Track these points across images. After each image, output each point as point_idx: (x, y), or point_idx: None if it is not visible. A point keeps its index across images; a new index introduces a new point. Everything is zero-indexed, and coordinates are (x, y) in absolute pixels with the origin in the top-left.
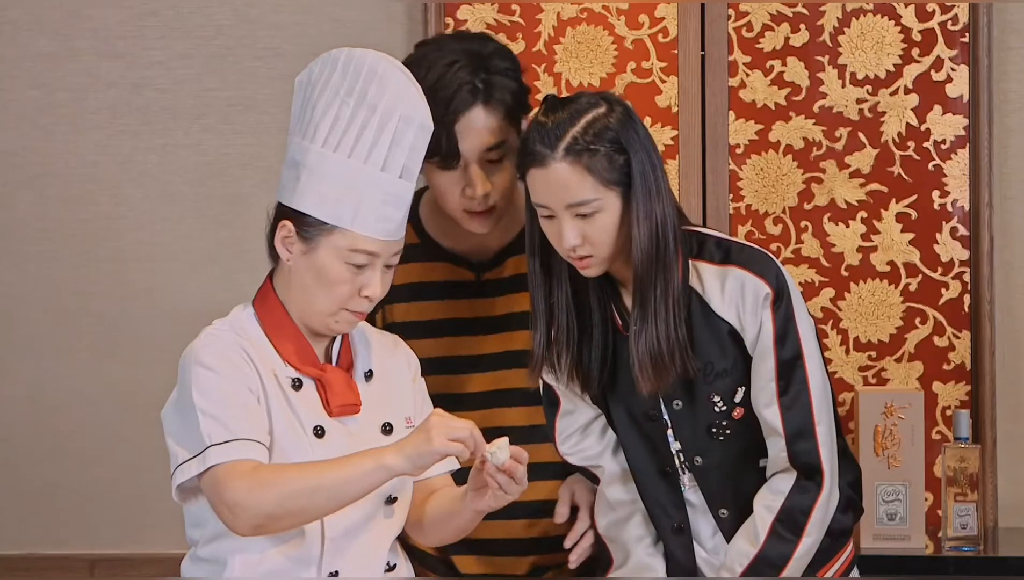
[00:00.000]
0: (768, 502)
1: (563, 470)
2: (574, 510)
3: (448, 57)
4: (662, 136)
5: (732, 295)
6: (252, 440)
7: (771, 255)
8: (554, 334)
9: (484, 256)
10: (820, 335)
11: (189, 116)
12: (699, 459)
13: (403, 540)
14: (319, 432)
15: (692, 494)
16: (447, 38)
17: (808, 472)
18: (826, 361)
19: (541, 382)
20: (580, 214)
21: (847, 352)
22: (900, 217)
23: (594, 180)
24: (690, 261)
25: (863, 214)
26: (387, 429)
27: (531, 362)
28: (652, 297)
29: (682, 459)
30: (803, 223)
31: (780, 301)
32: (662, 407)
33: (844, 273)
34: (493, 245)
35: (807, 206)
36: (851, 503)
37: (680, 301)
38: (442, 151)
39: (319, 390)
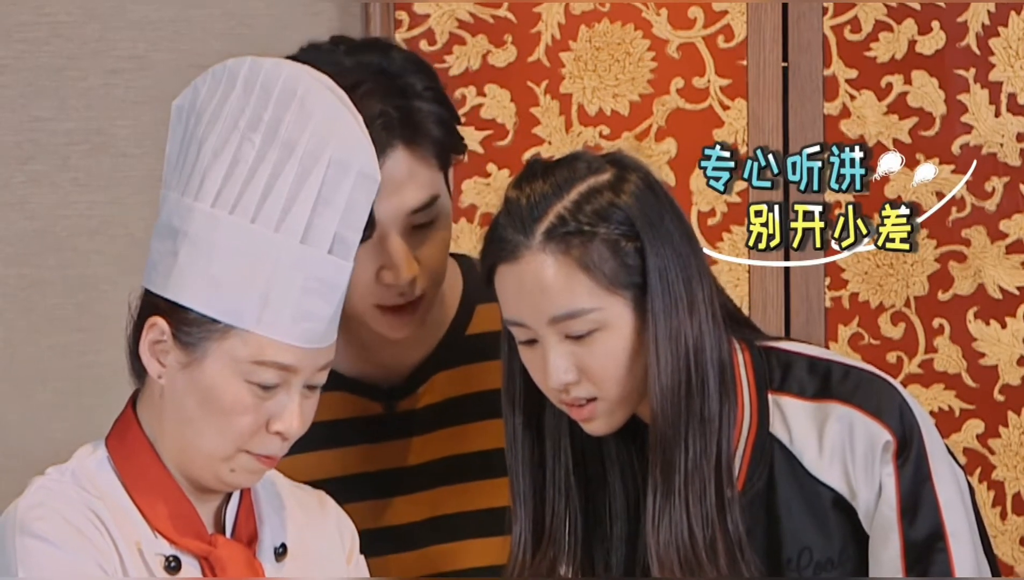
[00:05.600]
0: None
1: None
2: None
3: (346, 78)
4: None
5: (835, 445)
6: None
7: (892, 380)
8: (546, 528)
9: (395, 377)
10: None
11: (11, 159)
12: None
13: None
14: None
15: None
16: (330, 49)
17: None
18: (988, 538)
19: None
20: (572, 334)
21: (1003, 517)
22: None
23: (591, 280)
24: (769, 395)
25: None
26: None
27: (507, 571)
28: (680, 461)
29: None
30: (936, 322)
31: (907, 452)
32: None
33: (998, 397)
34: (407, 359)
35: (942, 296)
36: None
37: (728, 467)
38: None
39: (206, 573)
